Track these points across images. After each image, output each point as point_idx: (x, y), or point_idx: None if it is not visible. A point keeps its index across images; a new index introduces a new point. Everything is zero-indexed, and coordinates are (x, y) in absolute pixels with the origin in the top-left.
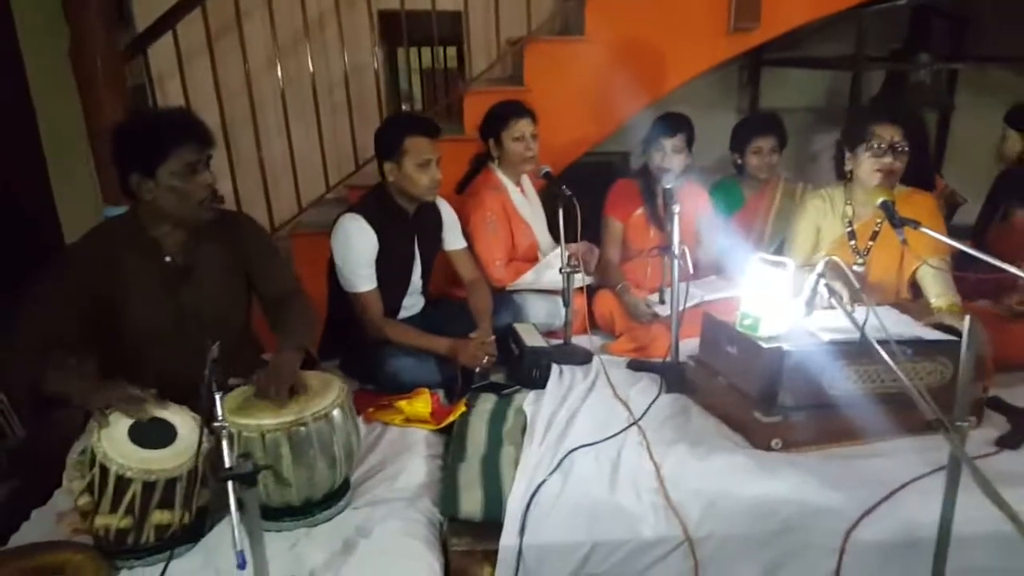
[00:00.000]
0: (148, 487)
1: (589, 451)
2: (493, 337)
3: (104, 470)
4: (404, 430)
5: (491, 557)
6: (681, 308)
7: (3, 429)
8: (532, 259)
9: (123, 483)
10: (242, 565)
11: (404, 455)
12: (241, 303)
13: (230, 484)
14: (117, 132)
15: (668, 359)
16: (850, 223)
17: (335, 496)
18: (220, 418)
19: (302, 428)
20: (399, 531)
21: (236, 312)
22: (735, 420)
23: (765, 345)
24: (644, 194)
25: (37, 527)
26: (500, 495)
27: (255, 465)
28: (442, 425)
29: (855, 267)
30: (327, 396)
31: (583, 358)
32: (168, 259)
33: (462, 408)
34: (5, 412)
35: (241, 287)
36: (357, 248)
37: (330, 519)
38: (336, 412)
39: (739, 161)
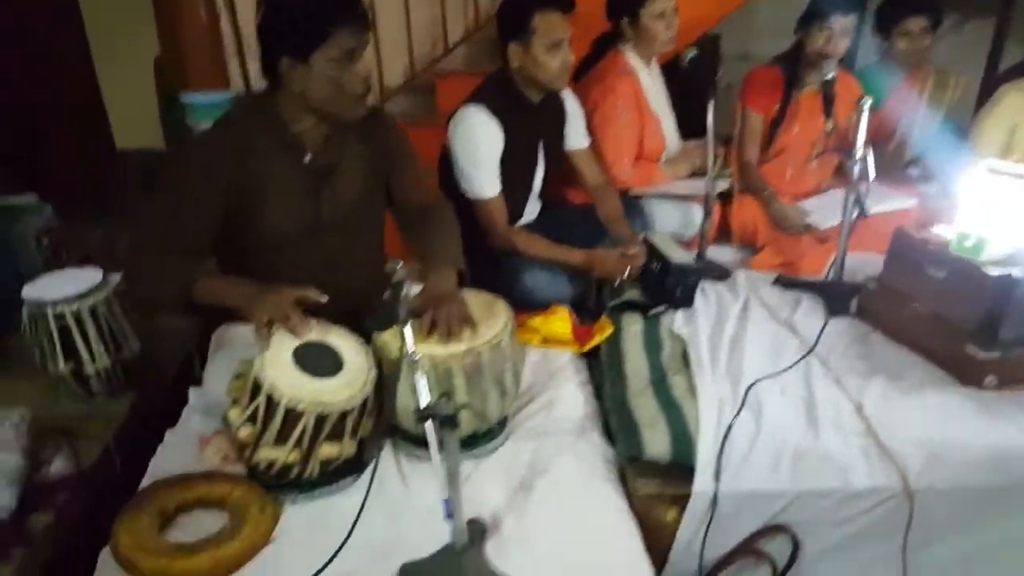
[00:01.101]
0: (320, 420)
1: (772, 384)
2: (641, 245)
3: (271, 401)
4: (544, 352)
5: (678, 501)
6: (837, 221)
7: (117, 340)
8: (655, 160)
9: (293, 416)
10: (449, 515)
11: (553, 381)
12: (380, 211)
13: (429, 425)
14: (270, 5)
15: (829, 277)
16: None
17: (498, 426)
18: (413, 350)
19: (477, 358)
20: (578, 470)
21: (375, 221)
22: (938, 354)
23: (991, 272)
24: (788, 84)
25: (177, 453)
26: (688, 435)
27: (457, 405)
28: (586, 348)
29: None
30: (496, 320)
31: (720, 273)
32: (308, 158)
33: (609, 329)
34: (118, 321)
35: (381, 193)
36: (483, 146)
37: (494, 451)
38: (507, 338)
39: (884, 46)
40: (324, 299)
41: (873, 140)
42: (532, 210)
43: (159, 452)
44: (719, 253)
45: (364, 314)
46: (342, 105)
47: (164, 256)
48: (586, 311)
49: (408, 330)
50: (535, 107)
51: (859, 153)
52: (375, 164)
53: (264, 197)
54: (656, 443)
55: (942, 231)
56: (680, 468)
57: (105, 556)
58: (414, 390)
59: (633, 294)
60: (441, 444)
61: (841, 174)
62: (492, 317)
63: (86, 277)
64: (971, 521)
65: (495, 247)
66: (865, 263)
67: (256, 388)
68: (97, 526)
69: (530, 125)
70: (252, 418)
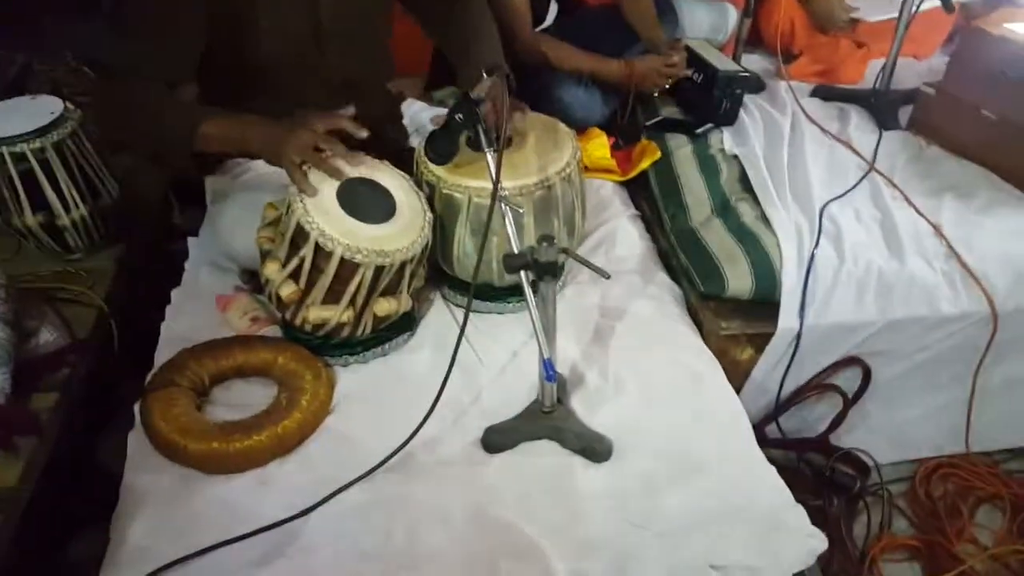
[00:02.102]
0: (377, 272)
1: (844, 207)
2: (684, 51)
3: (321, 252)
4: (586, 182)
5: (755, 339)
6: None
7: (93, 184)
8: None
9: (348, 268)
10: (551, 376)
11: (603, 215)
12: (386, 16)
13: (524, 275)
14: None
15: (877, 85)
16: None
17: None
18: (501, 186)
19: (548, 191)
20: (652, 312)
21: (385, 26)
22: (1007, 165)
23: None
24: None
25: (190, 315)
26: (771, 269)
27: (558, 247)
28: (631, 175)
29: None
30: (563, 146)
31: (756, 85)
32: None
33: (655, 152)
34: (96, 168)
35: None
36: None
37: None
38: (575, 167)
39: None
40: (364, 134)
41: None
42: (551, 11)
43: (169, 315)
44: (749, 61)
45: (378, 144)
46: None
47: (141, 83)
48: (620, 132)
49: (491, 158)
50: None
51: None
52: None
53: (252, 5)
54: (738, 279)
55: (1018, 27)
56: (758, 304)
57: (137, 440)
58: (474, 232)
59: (671, 111)
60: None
61: None
62: (557, 142)
63: (43, 107)
64: None
65: (521, 57)
66: (904, 70)
67: (299, 237)
68: (106, 404)
69: None
70: (295, 274)
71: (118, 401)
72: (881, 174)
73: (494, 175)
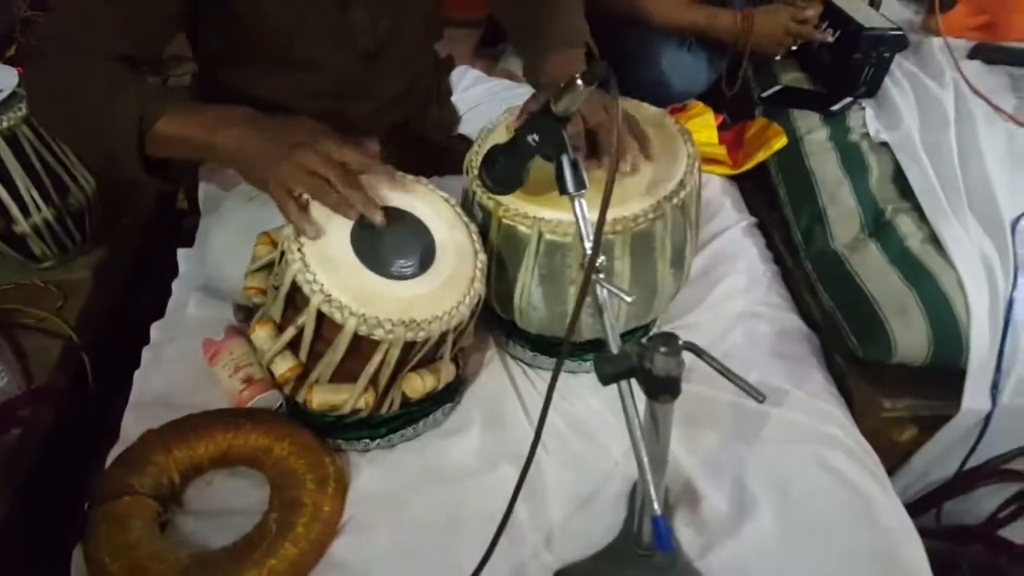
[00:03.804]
0: (407, 348)
1: None
2: (820, 2)
3: (325, 321)
4: None
5: (924, 419)
6: None
7: (59, 180)
8: None
9: (366, 345)
10: (664, 543)
11: (709, 225)
12: None
13: (627, 387)
14: None
15: None
16: None
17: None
18: (595, 253)
19: (651, 225)
20: (790, 382)
21: None
22: None
23: None
24: None
25: (171, 362)
26: (954, 323)
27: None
28: (746, 168)
29: None
30: (675, 155)
31: (902, 41)
32: None
33: (780, 138)
34: (62, 158)
35: None
36: None
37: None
38: (692, 186)
39: None
40: (393, 175)
41: None
42: None
43: (145, 362)
44: (888, 8)
45: (419, 130)
46: None
47: (86, 56)
48: (724, 106)
49: (581, 207)
50: None
51: None
52: None
53: None
54: (910, 339)
55: None
56: (943, 376)
57: (79, 560)
58: (545, 280)
59: (793, 77)
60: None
61: None
62: (669, 149)
63: None
64: None
65: (605, 9)
66: None
67: (297, 298)
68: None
69: None
70: (294, 344)
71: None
72: None
73: (586, 239)
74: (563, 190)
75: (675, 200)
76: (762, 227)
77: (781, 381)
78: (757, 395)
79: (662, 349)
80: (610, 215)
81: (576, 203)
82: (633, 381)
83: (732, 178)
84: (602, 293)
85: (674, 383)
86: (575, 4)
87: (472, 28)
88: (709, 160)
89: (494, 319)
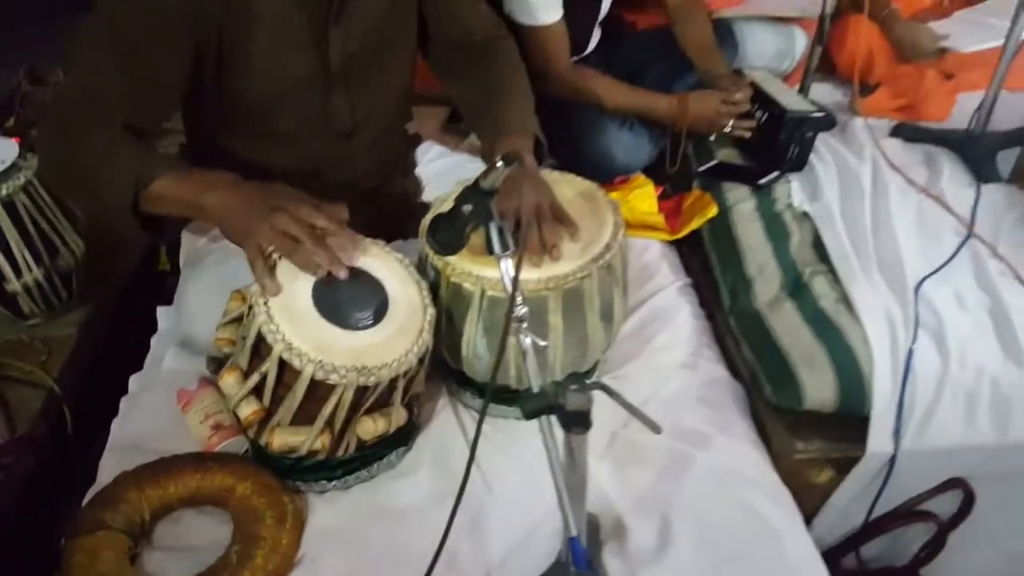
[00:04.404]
0: (360, 392)
1: (942, 286)
2: (749, 87)
3: (287, 369)
4: (629, 242)
5: (837, 461)
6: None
7: (50, 242)
8: None
9: (322, 389)
10: (581, 562)
11: (645, 287)
12: (410, 49)
13: (547, 423)
14: None
15: (972, 125)
16: None
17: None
18: (520, 304)
19: (581, 283)
20: (713, 426)
21: (403, 64)
22: None
23: None
24: None
25: (148, 410)
26: (859, 375)
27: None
28: (681, 234)
29: None
30: (603, 223)
31: (829, 121)
32: None
33: (711, 208)
34: (54, 222)
35: (412, 23)
36: None
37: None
38: (618, 249)
39: None
40: (344, 216)
41: None
42: (593, 39)
43: (123, 410)
44: (818, 92)
45: (386, 199)
46: None
47: (93, 127)
48: (666, 178)
49: (507, 265)
50: None
51: None
52: None
53: (248, 34)
54: (819, 388)
55: None
56: (850, 421)
57: None
58: (488, 331)
59: (728, 154)
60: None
61: None
62: (596, 217)
63: None
64: None
65: (554, 93)
66: (1004, 106)
67: (262, 347)
68: (47, 511)
69: None
70: (258, 390)
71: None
72: (983, 241)
73: (509, 296)
74: (491, 252)
75: (601, 261)
76: (696, 287)
77: (707, 427)
78: (655, 428)
79: (572, 387)
80: (543, 274)
81: (502, 263)
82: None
83: (671, 243)
84: (525, 341)
85: (584, 417)
86: (525, 96)
87: (441, 106)
88: (649, 227)
89: (447, 369)
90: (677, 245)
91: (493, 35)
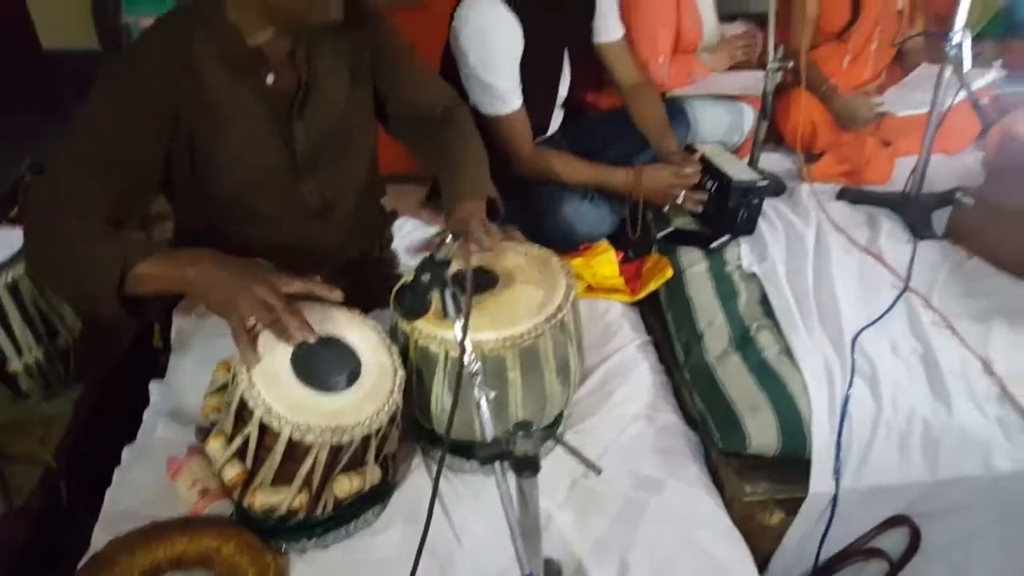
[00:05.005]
0: (335, 451)
1: (878, 337)
2: (698, 161)
3: (267, 431)
4: (590, 303)
5: (786, 502)
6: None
7: (50, 323)
8: (692, 51)
9: (299, 450)
10: None
11: (608, 345)
12: (371, 134)
13: (500, 467)
14: None
15: (908, 187)
16: None
17: (555, 422)
18: (471, 355)
19: (536, 341)
20: (668, 472)
21: (365, 148)
22: None
23: None
24: None
25: (140, 480)
26: (799, 420)
27: (540, 434)
28: (641, 295)
29: None
30: (555, 286)
31: (777, 187)
32: (271, 79)
33: (667, 271)
34: (54, 304)
35: (369, 110)
36: (500, 48)
37: (547, 453)
38: (569, 309)
39: None
40: (337, 296)
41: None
42: (555, 121)
43: (116, 481)
44: (768, 161)
45: (364, 270)
46: (315, 5)
47: (74, 219)
48: (628, 244)
49: (460, 331)
50: None
51: (957, 37)
52: (358, 72)
53: (218, 133)
54: (761, 433)
55: None
56: (793, 463)
57: None
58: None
59: (684, 221)
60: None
61: (900, 63)
62: (549, 281)
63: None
64: None
65: (519, 172)
66: (934, 168)
67: (244, 412)
68: None
69: (554, 21)
70: (241, 452)
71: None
72: (918, 294)
73: (459, 352)
74: (446, 315)
75: (554, 320)
76: (656, 344)
77: (661, 473)
78: (595, 469)
79: (520, 434)
80: (500, 334)
81: (456, 326)
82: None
83: (632, 304)
84: (478, 393)
85: (533, 461)
86: (477, 161)
87: (419, 184)
88: (611, 290)
89: (421, 430)
90: (638, 306)
91: (448, 105)
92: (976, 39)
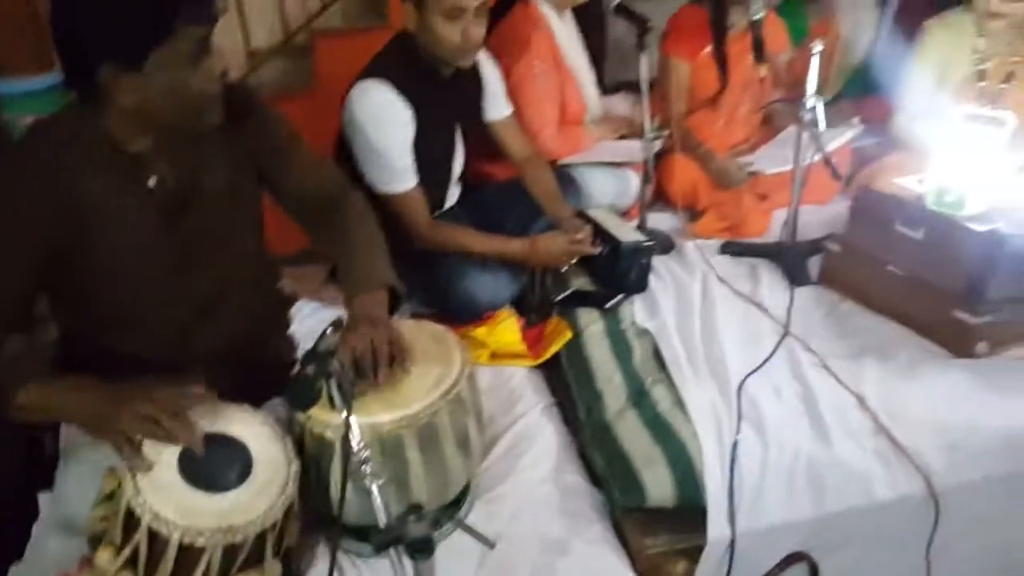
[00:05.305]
0: (229, 551)
1: (762, 382)
2: (588, 227)
3: (156, 537)
4: (496, 370)
5: (687, 552)
6: (781, 167)
7: None
8: (579, 123)
9: (192, 554)
10: None
11: (512, 410)
12: (256, 221)
13: (394, 553)
14: None
15: (781, 238)
16: (981, 60)
17: (461, 495)
18: (359, 441)
19: (433, 417)
20: (574, 534)
21: (250, 236)
22: (921, 321)
23: (976, 227)
24: (714, 26)
25: None
26: (692, 469)
27: (434, 520)
28: (544, 359)
29: None
30: (451, 362)
31: (665, 245)
32: (154, 181)
33: (567, 333)
34: None
35: (253, 197)
36: (393, 132)
37: (454, 529)
38: (465, 383)
39: None
40: (202, 392)
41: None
42: (452, 195)
43: None
44: (657, 221)
45: (260, 359)
46: (192, 115)
47: None
48: (530, 308)
49: (353, 422)
50: (447, 81)
51: (811, 102)
52: (241, 162)
53: (100, 242)
54: (658, 486)
55: (909, 183)
56: (690, 513)
57: None
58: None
59: (581, 283)
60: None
61: (769, 124)
62: (444, 357)
63: None
64: (996, 514)
65: (418, 248)
66: (808, 217)
67: (131, 520)
68: None
69: (443, 102)
70: (132, 562)
71: None
72: (797, 338)
73: (353, 440)
74: (333, 404)
75: (451, 395)
76: (561, 405)
77: (568, 535)
78: (489, 544)
79: (411, 519)
80: (396, 415)
81: (343, 413)
82: None
83: (536, 368)
84: (369, 482)
85: (426, 544)
86: (372, 248)
87: (320, 264)
88: (515, 356)
89: (325, 518)
90: (542, 369)
91: (338, 191)
92: (836, 98)
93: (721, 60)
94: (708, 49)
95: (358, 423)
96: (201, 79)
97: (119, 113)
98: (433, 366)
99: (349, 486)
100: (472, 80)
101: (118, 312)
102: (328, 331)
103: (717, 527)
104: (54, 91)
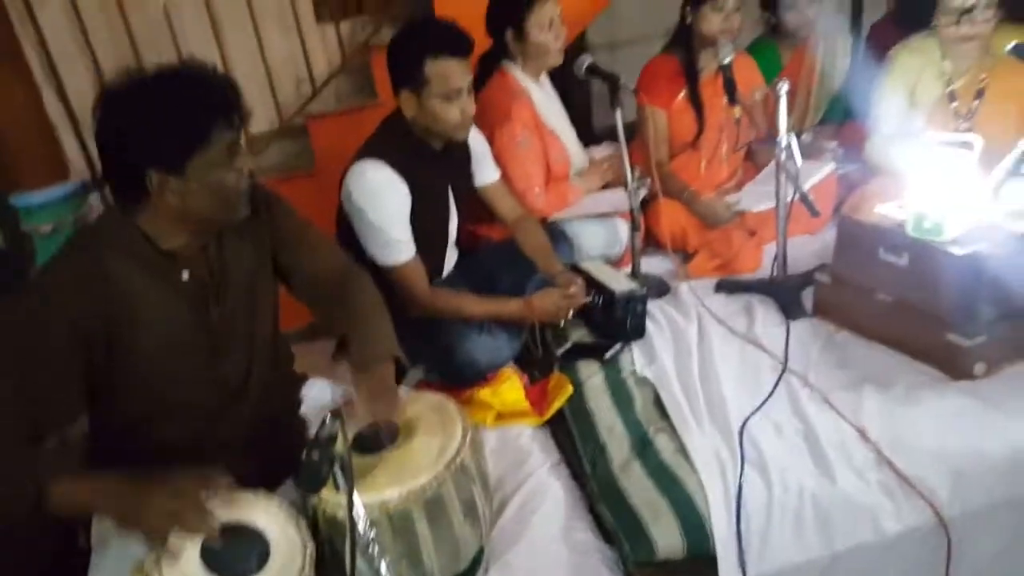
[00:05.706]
0: None
1: (763, 421)
2: (580, 279)
3: None
4: (501, 432)
5: None
6: (766, 204)
7: None
8: (564, 179)
9: None
10: None
11: (521, 470)
12: (274, 304)
13: None
14: (121, 111)
15: (773, 273)
16: (949, 81)
17: (474, 562)
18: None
19: (439, 489)
20: None
21: (269, 320)
22: (916, 346)
23: (957, 252)
24: (686, 73)
25: None
26: (699, 518)
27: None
28: (548, 415)
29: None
30: (452, 432)
31: (660, 289)
32: (186, 275)
33: (568, 388)
34: None
35: (272, 282)
36: (390, 207)
37: None
38: (468, 451)
39: (773, 19)
40: (225, 480)
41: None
42: (450, 259)
43: None
44: (650, 265)
45: (277, 440)
46: (228, 209)
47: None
48: (531, 365)
49: (358, 502)
50: (439, 153)
51: (783, 141)
52: (261, 251)
53: (137, 335)
54: (667, 538)
55: (888, 211)
56: (701, 562)
57: None
58: (364, 552)
59: (580, 335)
60: None
61: (752, 160)
62: (445, 427)
63: None
64: (1007, 541)
65: (418, 315)
66: (800, 249)
67: None
68: None
69: (436, 174)
70: None
71: None
72: (795, 373)
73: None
74: (337, 488)
75: (454, 465)
76: (568, 461)
77: None
78: None
79: None
80: (403, 489)
81: (345, 494)
82: None
83: (542, 425)
84: (377, 561)
85: None
86: (378, 323)
87: (326, 339)
88: (519, 414)
89: None
90: (548, 425)
91: (345, 271)
92: (818, 124)
93: (697, 104)
94: (683, 95)
95: (365, 501)
96: (236, 176)
97: (161, 214)
98: (436, 436)
99: (363, 565)
100: (461, 149)
101: (152, 404)
102: (327, 419)
103: (728, 574)
104: (70, 200)
